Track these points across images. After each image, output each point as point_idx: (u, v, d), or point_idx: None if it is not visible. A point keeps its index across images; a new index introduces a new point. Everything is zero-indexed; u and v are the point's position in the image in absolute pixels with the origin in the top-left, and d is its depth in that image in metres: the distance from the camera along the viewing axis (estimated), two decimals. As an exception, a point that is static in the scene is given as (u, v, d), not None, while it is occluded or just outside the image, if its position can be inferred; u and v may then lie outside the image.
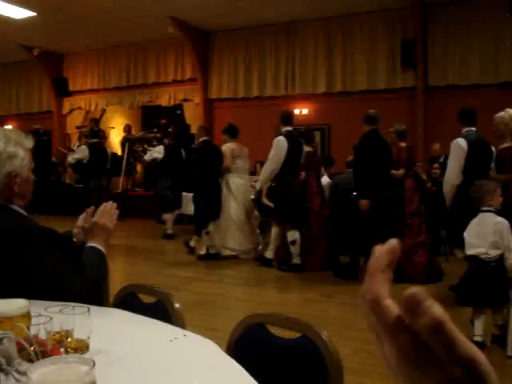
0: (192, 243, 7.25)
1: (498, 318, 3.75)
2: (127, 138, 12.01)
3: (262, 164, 7.12)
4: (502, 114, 5.22)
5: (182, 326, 1.63)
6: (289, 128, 6.34)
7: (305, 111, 10.51)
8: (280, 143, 6.18)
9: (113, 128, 12.97)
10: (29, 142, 1.86)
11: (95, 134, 8.16)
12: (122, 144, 12.09)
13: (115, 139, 13.06)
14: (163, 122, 11.68)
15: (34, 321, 1.20)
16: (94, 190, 7.64)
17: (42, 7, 9.37)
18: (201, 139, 7.15)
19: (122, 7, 9.47)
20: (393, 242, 0.42)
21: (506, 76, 8.75)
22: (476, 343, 2.75)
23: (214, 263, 6.74)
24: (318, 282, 5.73)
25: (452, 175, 4.98)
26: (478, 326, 3.65)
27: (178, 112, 12.22)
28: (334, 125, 10.19)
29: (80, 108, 13.25)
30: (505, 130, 5.09)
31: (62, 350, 1.19)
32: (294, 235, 6.21)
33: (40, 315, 1.22)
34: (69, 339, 1.23)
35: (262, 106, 10.78)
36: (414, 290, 0.38)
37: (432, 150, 8.21)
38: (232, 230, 7.03)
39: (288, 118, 6.43)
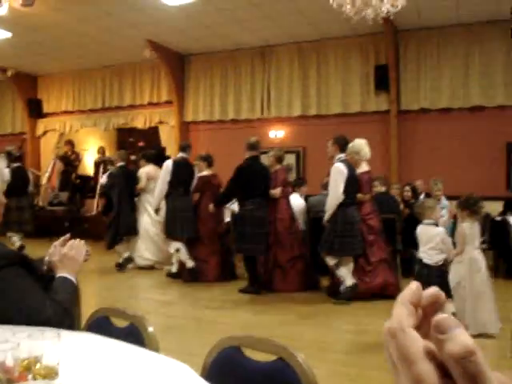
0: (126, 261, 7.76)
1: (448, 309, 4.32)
2: (100, 160, 11.91)
3: None
4: (351, 144, 5.99)
5: (156, 350, 1.60)
6: (183, 154, 7.33)
7: (280, 134, 10.59)
8: (165, 167, 7.15)
9: (86, 150, 12.87)
10: (1, 164, 1.85)
11: (18, 158, 9.18)
12: (96, 166, 11.98)
13: (89, 161, 12.95)
14: (141, 144, 11.64)
15: (0, 347, 1.16)
16: (14, 209, 8.55)
17: (17, 28, 9.30)
18: (118, 164, 8.06)
19: (98, 30, 9.48)
20: (431, 291, 0.44)
21: (475, 100, 9.00)
22: None
23: (189, 286, 6.66)
24: (293, 304, 5.70)
25: (336, 196, 5.67)
26: None
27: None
28: (309, 147, 10.29)
29: (54, 130, 13.10)
30: (358, 157, 5.96)
31: (29, 377, 1.15)
32: (175, 245, 7.07)
33: (7, 341, 1.18)
34: (37, 366, 1.19)
35: (238, 129, 10.82)
36: (445, 316, 0.38)
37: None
38: (147, 242, 7.92)
39: (184, 146, 7.48)
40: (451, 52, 9.17)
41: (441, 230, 4.61)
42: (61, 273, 1.89)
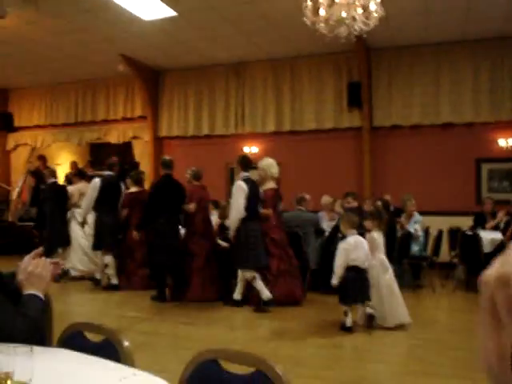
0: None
1: (370, 308, 5.08)
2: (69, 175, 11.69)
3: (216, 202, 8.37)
4: (261, 162, 6.49)
5: (132, 364, 1.57)
6: (110, 172, 7.70)
7: (255, 149, 10.63)
8: (93, 184, 7.53)
9: (59, 165, 12.66)
10: None
11: None
12: (67, 181, 11.76)
13: (62, 176, 12.75)
14: (114, 159, 11.49)
15: (-30, 362, 1.13)
16: None
17: (-12, 42, 9.18)
18: (49, 181, 8.46)
19: (72, 44, 9.41)
20: None
21: (445, 117, 9.21)
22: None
23: (160, 303, 6.58)
24: (268, 319, 5.68)
25: (238, 211, 6.03)
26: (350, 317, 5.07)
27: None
28: (284, 163, 10.32)
29: (26, 144, 12.90)
30: (265, 175, 6.44)
31: (1, 393, 1.12)
32: (106, 259, 7.42)
33: (-22, 356, 1.15)
34: (8, 382, 1.16)
35: (212, 145, 10.84)
36: None
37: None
38: (79, 254, 8.28)
39: (110, 164, 7.81)
40: (422, 70, 9.39)
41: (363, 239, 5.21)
42: (29, 290, 1.83)
